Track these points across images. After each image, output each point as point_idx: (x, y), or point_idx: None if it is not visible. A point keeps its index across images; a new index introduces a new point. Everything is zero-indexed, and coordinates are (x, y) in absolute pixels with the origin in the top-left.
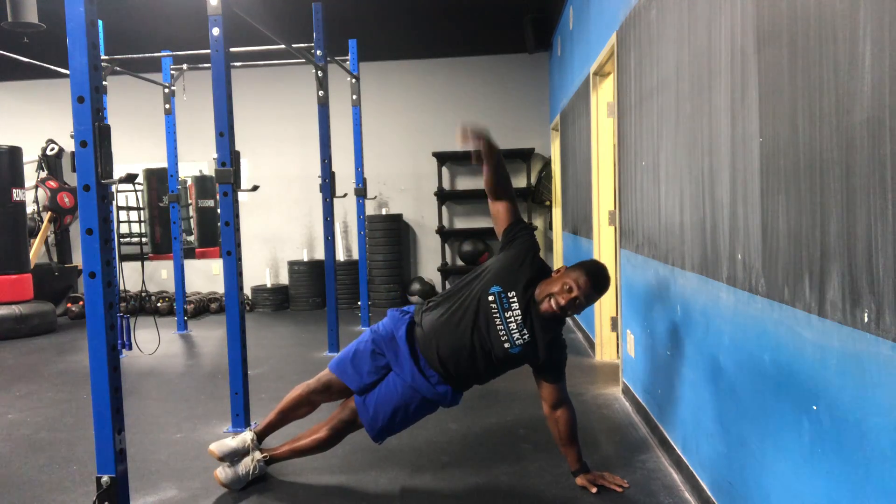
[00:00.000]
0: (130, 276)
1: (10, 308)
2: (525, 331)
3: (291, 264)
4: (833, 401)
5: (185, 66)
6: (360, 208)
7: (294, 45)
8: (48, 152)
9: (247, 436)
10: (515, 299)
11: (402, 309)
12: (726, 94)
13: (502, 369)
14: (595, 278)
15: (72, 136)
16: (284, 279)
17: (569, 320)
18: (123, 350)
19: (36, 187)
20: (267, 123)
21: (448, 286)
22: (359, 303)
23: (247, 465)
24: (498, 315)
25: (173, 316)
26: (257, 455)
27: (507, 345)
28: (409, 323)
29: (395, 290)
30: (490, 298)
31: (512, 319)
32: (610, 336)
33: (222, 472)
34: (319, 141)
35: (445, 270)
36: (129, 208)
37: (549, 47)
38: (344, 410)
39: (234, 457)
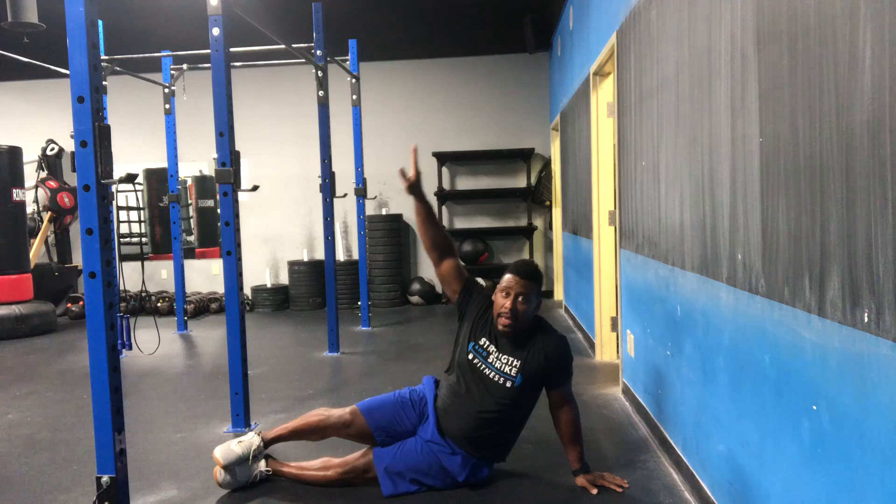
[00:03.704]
0: (130, 276)
1: (10, 308)
2: (511, 359)
3: (291, 264)
4: (833, 401)
5: (185, 66)
6: (360, 208)
7: (294, 45)
8: (48, 152)
9: (253, 441)
10: (487, 341)
11: (435, 378)
12: (726, 94)
13: (522, 408)
14: (520, 271)
15: (72, 136)
16: (284, 279)
17: (569, 320)
18: (123, 350)
19: (36, 187)
20: (267, 123)
21: None
22: (359, 303)
23: (249, 472)
24: (484, 365)
25: (173, 316)
26: (262, 465)
27: (507, 383)
28: (436, 394)
29: (395, 290)
30: (470, 356)
31: (495, 359)
32: (610, 336)
33: (221, 474)
34: (319, 141)
35: None
36: (129, 208)
37: (549, 47)
38: (362, 459)
39: (238, 464)
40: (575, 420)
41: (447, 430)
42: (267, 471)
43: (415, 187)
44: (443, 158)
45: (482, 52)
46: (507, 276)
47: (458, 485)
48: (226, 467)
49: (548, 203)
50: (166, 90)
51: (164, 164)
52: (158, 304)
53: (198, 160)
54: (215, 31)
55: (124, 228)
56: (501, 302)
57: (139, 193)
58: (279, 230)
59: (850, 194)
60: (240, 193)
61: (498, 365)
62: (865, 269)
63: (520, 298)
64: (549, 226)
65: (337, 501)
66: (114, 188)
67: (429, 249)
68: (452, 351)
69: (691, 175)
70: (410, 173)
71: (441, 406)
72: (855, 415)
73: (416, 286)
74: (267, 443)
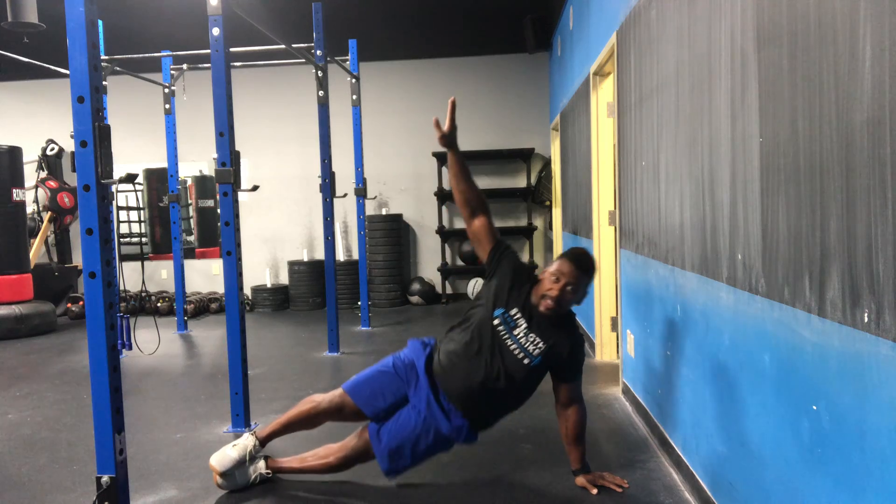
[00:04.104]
0: (130, 276)
1: (10, 308)
2: (538, 339)
3: (291, 264)
4: (833, 401)
5: (185, 66)
6: (360, 208)
7: (294, 45)
8: (48, 152)
9: (248, 442)
10: (519, 314)
11: (423, 340)
12: (726, 94)
13: (527, 388)
14: (577, 260)
15: (72, 136)
16: (284, 279)
17: None
18: (123, 350)
19: (36, 187)
20: (267, 123)
21: (448, 287)
22: (359, 303)
23: (248, 474)
24: (508, 336)
25: (173, 316)
26: (261, 465)
27: (526, 360)
28: (428, 355)
29: (395, 290)
30: (496, 322)
31: (522, 335)
32: (610, 336)
33: (220, 479)
34: (319, 141)
35: (445, 270)
36: (129, 208)
37: (549, 47)
38: (358, 440)
39: (236, 468)
40: (582, 421)
41: (446, 387)
42: (267, 473)
43: (449, 138)
44: (443, 158)
45: (482, 52)
46: (562, 261)
47: (451, 447)
48: (223, 474)
49: (548, 203)
50: (166, 90)
51: (164, 164)
52: (158, 304)
53: (198, 160)
54: (215, 31)
55: (124, 228)
56: (549, 285)
57: (139, 193)
58: (279, 230)
59: (850, 194)
60: (240, 193)
61: (523, 341)
62: (865, 269)
63: (568, 287)
64: (549, 226)
65: (337, 499)
66: (114, 188)
67: (461, 204)
68: (470, 307)
69: (691, 175)
70: (446, 125)
71: (445, 362)
72: (855, 415)
73: (416, 286)
74: (262, 441)
